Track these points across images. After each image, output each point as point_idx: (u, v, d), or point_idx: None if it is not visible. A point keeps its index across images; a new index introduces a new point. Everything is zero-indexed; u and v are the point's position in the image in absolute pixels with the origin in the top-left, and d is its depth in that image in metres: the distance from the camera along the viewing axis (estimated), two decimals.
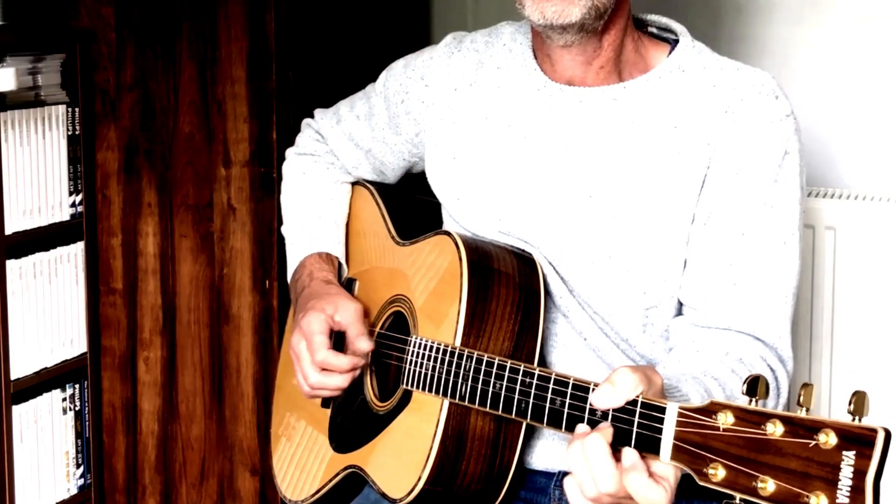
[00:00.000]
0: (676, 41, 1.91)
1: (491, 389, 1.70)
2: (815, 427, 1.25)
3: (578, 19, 1.77)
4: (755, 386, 1.34)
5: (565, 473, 1.84)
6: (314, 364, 1.89)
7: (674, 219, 1.82)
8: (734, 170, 1.79)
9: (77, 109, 2.80)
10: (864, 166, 2.91)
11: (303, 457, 2.06)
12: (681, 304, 1.86)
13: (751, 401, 1.34)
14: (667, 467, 1.46)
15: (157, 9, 2.76)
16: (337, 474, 1.97)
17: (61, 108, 2.78)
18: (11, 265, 2.67)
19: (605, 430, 1.48)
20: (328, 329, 1.91)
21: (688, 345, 1.80)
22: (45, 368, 2.78)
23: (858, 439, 1.23)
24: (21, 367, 2.71)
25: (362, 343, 1.89)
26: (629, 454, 1.46)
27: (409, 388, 1.85)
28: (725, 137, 1.80)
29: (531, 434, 1.87)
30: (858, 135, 2.91)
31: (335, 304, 1.94)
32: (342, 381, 1.90)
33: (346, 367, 1.89)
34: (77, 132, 2.81)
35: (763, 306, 1.78)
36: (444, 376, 1.77)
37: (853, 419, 1.25)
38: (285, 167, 2.27)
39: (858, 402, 1.25)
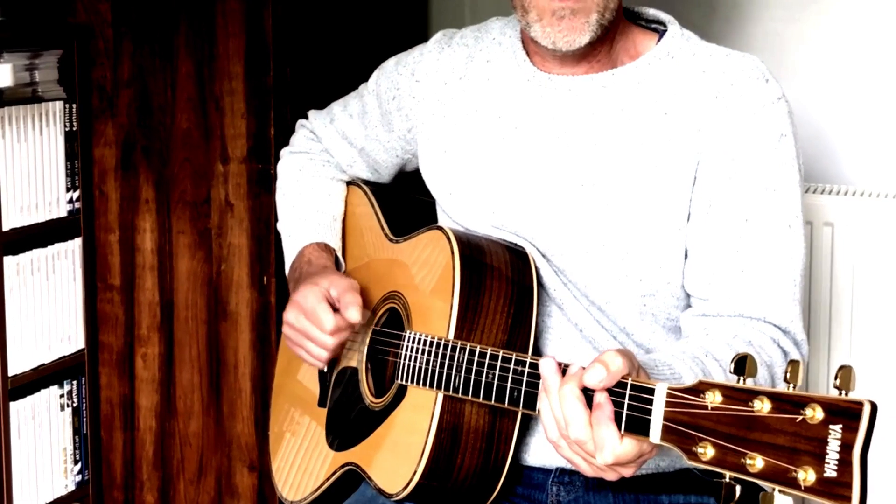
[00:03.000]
0: (666, 31, 1.91)
1: (484, 380, 1.70)
2: (801, 402, 1.25)
3: (587, 42, 1.81)
4: (743, 365, 1.35)
5: (562, 470, 1.86)
6: (326, 333, 1.89)
7: (667, 205, 1.81)
8: (730, 156, 1.79)
9: (74, 105, 2.80)
10: (862, 162, 2.90)
11: (303, 456, 2.07)
12: (688, 296, 1.85)
13: (739, 379, 1.34)
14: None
15: (155, 5, 2.77)
16: (334, 472, 1.97)
17: (58, 105, 2.77)
18: (9, 261, 2.67)
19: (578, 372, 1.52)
20: (325, 299, 1.91)
21: (699, 331, 1.80)
22: (43, 365, 2.78)
23: (845, 413, 1.23)
24: (18, 363, 2.71)
25: (351, 312, 1.88)
26: (600, 395, 1.49)
27: (403, 383, 1.85)
28: (717, 123, 1.80)
29: (527, 430, 1.87)
30: (856, 131, 2.91)
31: (329, 280, 1.94)
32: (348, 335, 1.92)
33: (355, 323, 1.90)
34: (74, 128, 2.81)
35: (773, 291, 1.77)
36: (437, 369, 1.78)
37: (840, 394, 1.24)
38: (280, 166, 2.28)
39: (844, 376, 1.24)
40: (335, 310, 1.91)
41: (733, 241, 1.78)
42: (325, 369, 2.04)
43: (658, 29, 1.93)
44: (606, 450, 1.47)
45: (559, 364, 1.55)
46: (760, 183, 1.78)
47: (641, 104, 1.84)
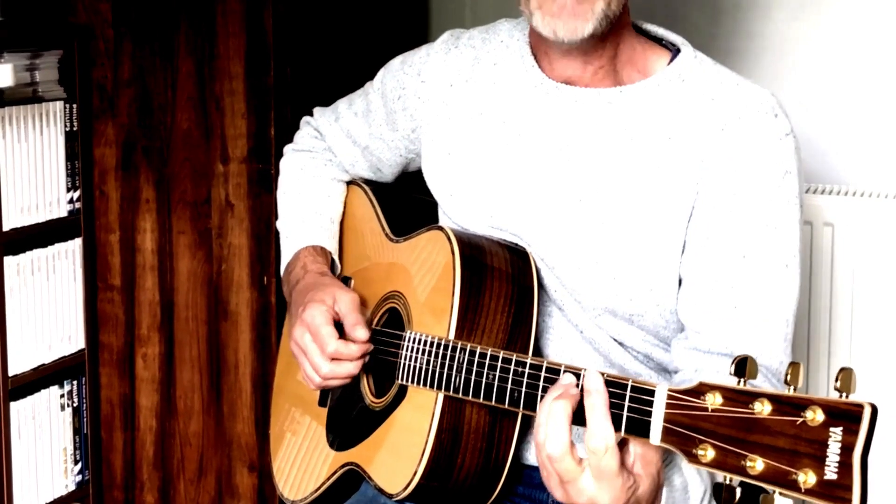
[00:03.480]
0: (678, 50, 1.88)
1: (484, 380, 1.70)
2: (802, 404, 1.25)
3: (590, 33, 1.77)
4: (743, 366, 1.34)
5: None
6: (325, 356, 1.88)
7: (662, 231, 1.79)
8: (732, 191, 1.76)
9: (75, 105, 2.81)
10: (862, 162, 2.90)
11: (304, 456, 2.06)
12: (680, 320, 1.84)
13: (739, 381, 1.34)
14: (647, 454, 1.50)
15: (155, 5, 2.77)
16: (335, 472, 1.97)
17: (59, 105, 2.78)
18: (9, 261, 2.67)
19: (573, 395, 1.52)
20: (332, 320, 1.90)
21: (691, 373, 1.78)
22: (43, 365, 2.78)
23: (845, 415, 1.22)
24: (19, 363, 2.71)
25: (359, 332, 1.88)
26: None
27: (404, 383, 1.84)
28: (721, 156, 1.77)
29: (528, 429, 1.86)
30: (856, 131, 2.90)
31: (333, 295, 1.93)
32: (354, 367, 1.89)
33: (358, 354, 1.88)
34: (75, 128, 2.81)
35: (765, 331, 1.76)
36: (437, 369, 1.77)
37: (840, 396, 1.24)
38: (283, 163, 2.27)
39: (845, 378, 1.24)
40: (341, 329, 1.92)
41: (729, 277, 1.76)
42: (317, 393, 2.06)
43: (669, 47, 1.90)
44: (598, 437, 1.47)
45: (577, 375, 1.55)
46: (761, 220, 1.76)
47: (646, 126, 1.81)
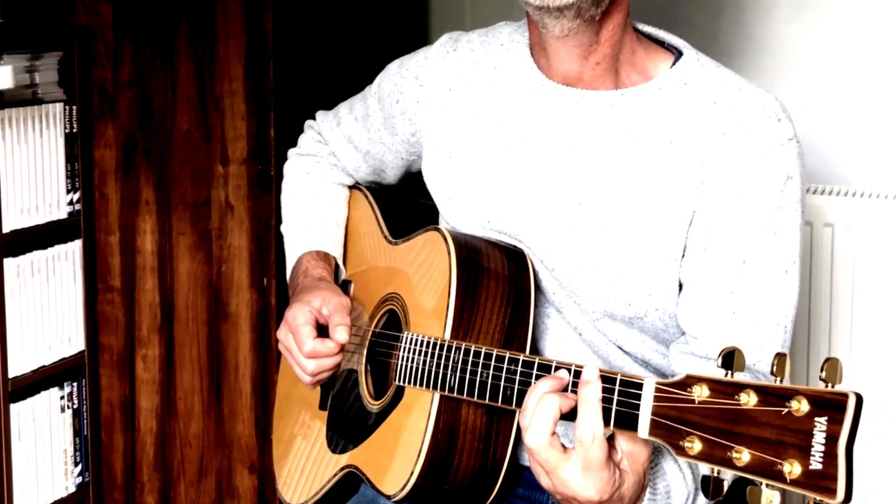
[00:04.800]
0: (681, 53, 1.86)
1: (478, 379, 1.69)
2: (787, 395, 1.25)
3: (575, 0, 1.73)
4: (731, 358, 1.34)
5: None
6: (304, 354, 1.91)
7: (662, 236, 1.78)
8: (733, 196, 1.74)
9: (74, 107, 2.81)
10: (862, 162, 2.90)
11: (307, 459, 2.07)
12: (680, 326, 1.83)
13: (726, 373, 1.34)
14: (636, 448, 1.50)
15: (155, 6, 2.77)
16: (334, 475, 1.97)
17: (59, 106, 2.78)
18: (9, 263, 2.67)
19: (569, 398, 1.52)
20: (313, 319, 1.92)
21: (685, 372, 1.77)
22: (43, 366, 2.79)
23: (830, 405, 1.22)
24: (19, 365, 2.72)
25: (339, 334, 1.89)
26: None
27: (401, 384, 1.84)
28: (722, 161, 1.75)
29: None
30: (856, 131, 2.90)
31: (322, 297, 1.94)
32: (337, 360, 1.92)
33: (335, 350, 1.90)
34: (74, 130, 2.82)
35: (762, 338, 1.74)
36: (433, 369, 1.77)
37: (826, 386, 1.24)
38: (287, 167, 2.27)
39: (830, 368, 1.24)
40: (324, 329, 1.92)
41: (728, 282, 1.74)
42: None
43: (672, 50, 1.88)
44: (587, 427, 1.47)
45: (569, 371, 1.56)
46: (762, 225, 1.74)
47: (647, 130, 1.80)
